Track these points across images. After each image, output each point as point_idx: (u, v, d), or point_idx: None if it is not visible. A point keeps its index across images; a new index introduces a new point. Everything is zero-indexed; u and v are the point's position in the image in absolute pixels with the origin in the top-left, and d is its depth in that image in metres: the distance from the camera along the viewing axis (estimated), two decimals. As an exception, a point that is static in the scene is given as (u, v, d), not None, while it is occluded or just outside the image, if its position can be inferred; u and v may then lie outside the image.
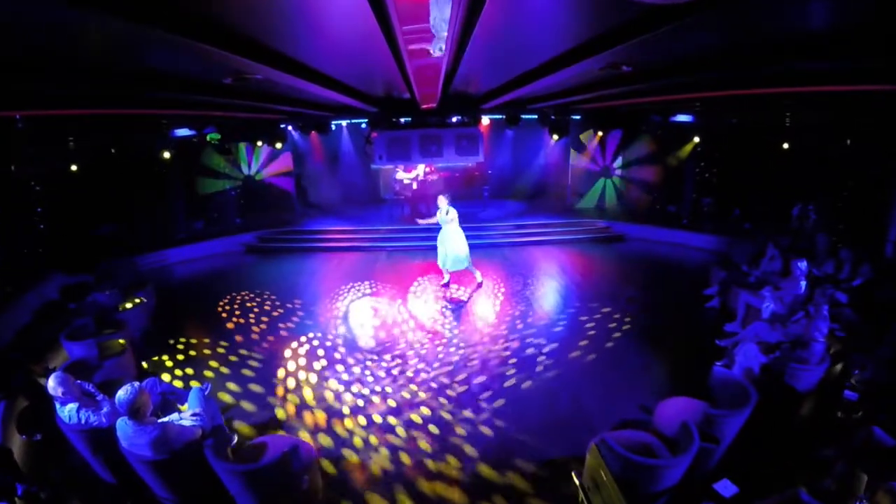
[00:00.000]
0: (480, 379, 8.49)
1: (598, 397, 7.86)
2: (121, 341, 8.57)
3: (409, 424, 7.32)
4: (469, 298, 12.07)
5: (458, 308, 11.54)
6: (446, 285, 12.68)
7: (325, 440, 7.02)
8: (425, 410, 7.64)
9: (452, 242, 12.05)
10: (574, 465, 6.17)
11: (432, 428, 7.22)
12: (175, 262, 16.10)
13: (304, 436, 7.07)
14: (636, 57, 6.80)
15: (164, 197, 16.99)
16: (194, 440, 5.51)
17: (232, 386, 8.42)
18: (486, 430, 7.12)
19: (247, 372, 8.90)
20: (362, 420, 7.45)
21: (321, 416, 7.55)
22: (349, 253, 16.62)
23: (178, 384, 8.36)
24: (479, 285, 12.73)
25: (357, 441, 6.99)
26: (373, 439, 7.01)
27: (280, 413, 7.67)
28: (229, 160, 18.79)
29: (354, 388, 8.30)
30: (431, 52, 8.54)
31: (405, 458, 6.66)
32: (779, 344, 7.79)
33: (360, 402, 7.89)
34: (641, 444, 5.61)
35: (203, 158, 18.21)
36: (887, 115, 10.47)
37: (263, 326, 10.80)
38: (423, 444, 6.89)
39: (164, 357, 9.43)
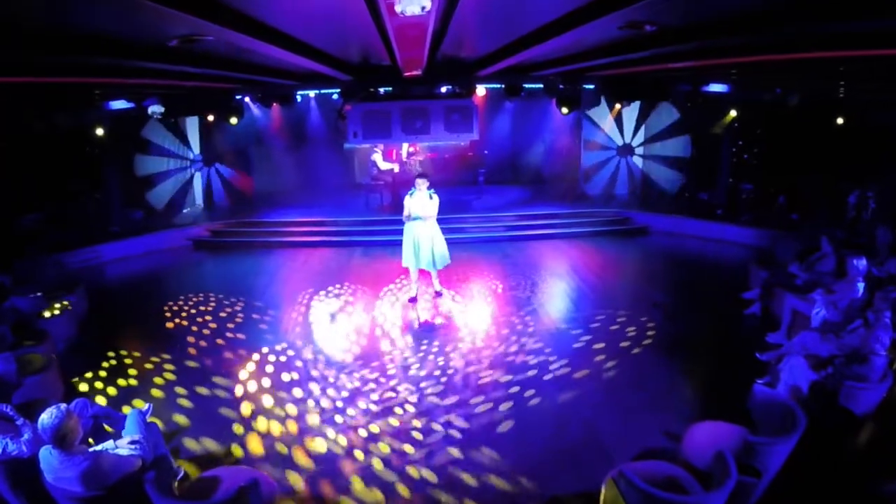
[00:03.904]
0: (475, 400, 8.48)
1: (615, 421, 7.86)
2: (44, 355, 8.51)
3: (390, 454, 7.29)
4: (451, 302, 12.10)
5: (448, 315, 11.57)
6: (438, 293, 12.49)
7: (290, 473, 6.99)
8: (407, 436, 7.61)
9: (439, 236, 11.82)
10: None
11: (417, 456, 7.19)
12: (109, 260, 16.04)
13: (265, 467, 7.03)
14: (662, 14, 6.81)
15: (97, 182, 16.91)
16: (133, 472, 5.47)
17: (178, 408, 8.37)
18: (480, 458, 7.10)
19: (196, 391, 8.85)
20: (334, 449, 7.42)
21: (285, 444, 7.51)
22: (318, 249, 16.65)
23: (119, 407, 8.28)
24: (438, 293, 12.57)
25: (327, 474, 6.97)
26: (346, 472, 6.99)
27: (236, 439, 7.63)
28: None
29: (325, 412, 8.28)
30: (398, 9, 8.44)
31: (384, 494, 6.64)
32: (832, 358, 7.79)
33: (332, 428, 7.85)
34: (667, 478, 5.61)
35: (144, 136, 18.15)
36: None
37: (216, 337, 10.78)
38: (407, 476, 6.87)
39: (97, 373, 9.37)
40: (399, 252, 12.02)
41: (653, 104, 18.94)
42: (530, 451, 7.27)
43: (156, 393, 8.80)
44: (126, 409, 8.27)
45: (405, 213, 11.57)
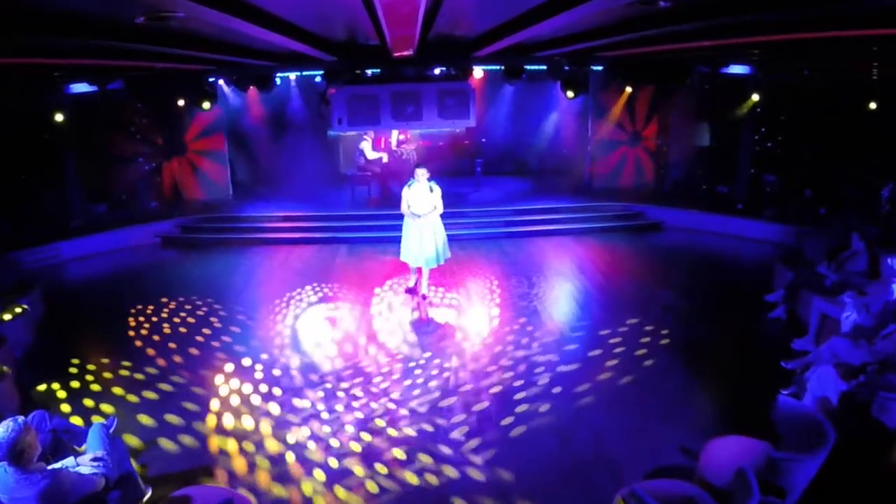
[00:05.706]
0: (472, 411, 8.49)
1: (625, 436, 7.86)
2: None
3: (378, 470, 7.27)
4: (446, 308, 12.11)
5: (443, 320, 11.59)
6: (425, 296, 12.40)
7: (268, 492, 6.99)
8: (399, 454, 7.60)
9: (441, 230, 11.86)
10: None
11: (408, 475, 7.18)
12: (70, 259, 16.02)
13: (240, 486, 7.02)
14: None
15: (56, 172, 16.85)
16: (96, 492, 5.45)
17: (146, 421, 8.34)
18: (478, 477, 7.09)
19: (165, 403, 8.83)
20: (317, 466, 7.39)
21: (263, 461, 7.50)
22: (299, 246, 16.64)
23: (76, 420, 8.25)
24: (424, 296, 12.47)
25: (309, 493, 6.96)
26: (332, 490, 6.99)
27: (209, 455, 7.62)
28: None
29: (307, 425, 8.26)
30: None
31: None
32: (864, 366, 7.78)
33: (314, 443, 7.84)
34: (683, 498, 5.61)
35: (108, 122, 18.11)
36: None
37: (186, 344, 10.75)
38: (398, 493, 6.86)
39: (56, 384, 9.31)
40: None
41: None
42: (533, 467, 7.25)
43: (120, 405, 8.76)
44: (87, 411, 8.33)
45: (403, 206, 11.58)
